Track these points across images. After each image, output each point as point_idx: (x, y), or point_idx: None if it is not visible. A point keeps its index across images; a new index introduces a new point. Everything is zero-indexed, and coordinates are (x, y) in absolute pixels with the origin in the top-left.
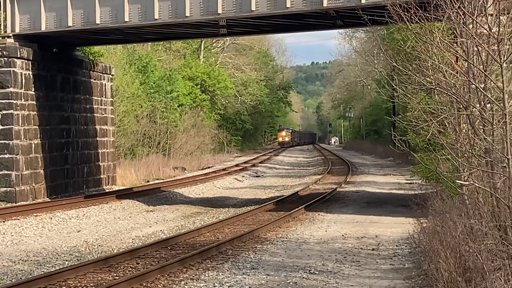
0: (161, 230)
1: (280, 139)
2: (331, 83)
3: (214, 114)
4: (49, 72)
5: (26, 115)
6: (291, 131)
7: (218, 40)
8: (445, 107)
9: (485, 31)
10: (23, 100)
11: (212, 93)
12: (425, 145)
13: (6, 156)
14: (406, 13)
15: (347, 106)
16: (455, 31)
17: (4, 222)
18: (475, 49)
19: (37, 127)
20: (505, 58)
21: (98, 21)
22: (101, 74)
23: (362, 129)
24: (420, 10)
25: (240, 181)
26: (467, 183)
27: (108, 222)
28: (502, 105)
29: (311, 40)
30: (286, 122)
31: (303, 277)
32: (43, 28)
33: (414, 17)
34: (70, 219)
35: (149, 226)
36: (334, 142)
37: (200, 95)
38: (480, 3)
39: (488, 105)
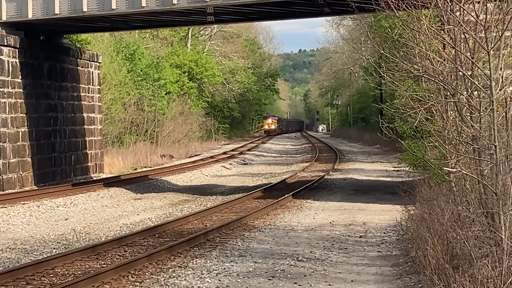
0: (148, 218)
1: (266, 127)
2: (318, 71)
3: (202, 102)
4: (36, 60)
5: (13, 103)
6: (277, 118)
7: (206, 27)
8: (432, 95)
9: (472, 18)
10: (10, 88)
11: (200, 81)
12: (412, 133)
13: None
14: (393, 0)
15: (335, 93)
16: (442, 19)
17: None
18: (463, 36)
19: (24, 115)
20: (492, 46)
21: (85, 9)
22: (88, 62)
23: (350, 116)
24: None
25: (228, 168)
26: (454, 170)
27: (95, 210)
28: (489, 92)
29: (298, 27)
30: (274, 110)
31: (291, 265)
32: (30, 16)
33: (401, 4)
34: (57, 207)
35: (136, 214)
36: (322, 129)
37: (187, 82)
38: None
39: (476, 92)
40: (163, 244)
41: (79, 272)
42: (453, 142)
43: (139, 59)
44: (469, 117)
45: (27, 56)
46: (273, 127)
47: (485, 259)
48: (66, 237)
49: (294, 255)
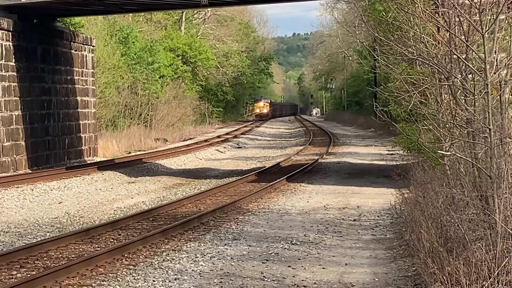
0: (142, 201)
1: (258, 110)
2: (312, 55)
3: (196, 86)
4: (30, 43)
5: (6, 86)
6: (269, 101)
7: (200, 11)
8: (426, 78)
9: (467, 1)
10: (3, 71)
11: (194, 65)
12: (406, 116)
13: None
14: None
15: (329, 77)
16: (437, 1)
17: None
18: (457, 19)
19: (18, 98)
20: (486, 28)
21: None
22: (82, 45)
23: (344, 100)
24: None
25: (222, 152)
26: (448, 153)
27: (89, 193)
28: (483, 75)
29: (292, 11)
30: (268, 94)
31: (285, 248)
32: None
33: None
34: (51, 190)
35: (130, 197)
36: (316, 113)
37: (181, 66)
38: None
39: (470, 76)
40: (157, 227)
41: (73, 256)
42: (447, 125)
43: (133, 42)
44: (463, 100)
45: (20, 39)
46: (265, 111)
47: (479, 242)
48: (60, 221)
49: (288, 238)
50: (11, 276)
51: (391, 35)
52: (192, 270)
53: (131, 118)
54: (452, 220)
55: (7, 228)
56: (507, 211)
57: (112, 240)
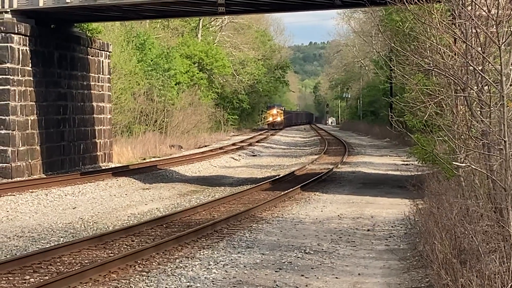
0: (156, 208)
1: (270, 118)
2: (328, 64)
3: (212, 93)
4: (47, 48)
5: (23, 91)
6: (283, 109)
7: (217, 18)
8: (442, 89)
9: (484, 13)
10: (20, 76)
11: (210, 72)
12: (422, 127)
13: (3, 132)
14: None
15: (345, 86)
16: (453, 13)
17: None
18: (474, 31)
19: (34, 103)
20: (503, 40)
21: None
22: (98, 51)
23: (359, 109)
24: None
25: (237, 160)
26: (463, 165)
27: (103, 199)
28: (499, 87)
29: (309, 20)
30: (283, 102)
31: (298, 257)
32: (41, 4)
33: None
34: (65, 195)
35: (144, 203)
36: (331, 122)
37: (197, 73)
38: None
39: (486, 87)
40: (171, 234)
41: (86, 261)
42: (462, 136)
43: (150, 49)
44: (479, 112)
45: (37, 44)
46: (278, 119)
47: (493, 255)
48: (73, 226)
49: (302, 247)
50: (24, 281)
51: (408, 46)
52: (205, 278)
53: (147, 125)
54: (466, 232)
55: (21, 232)
56: None
57: (125, 246)
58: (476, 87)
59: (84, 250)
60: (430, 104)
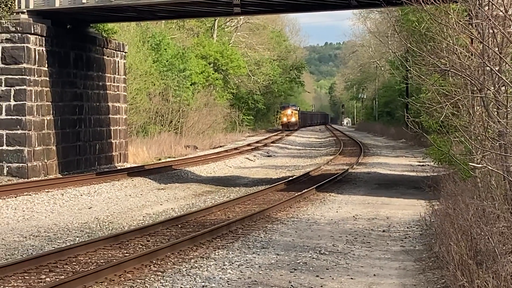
0: (172, 208)
1: (285, 119)
2: (344, 64)
3: (227, 93)
4: (63, 49)
5: (39, 91)
6: (298, 109)
7: (232, 19)
8: (459, 89)
9: (501, 13)
10: (36, 76)
11: (225, 72)
12: (438, 127)
13: (19, 132)
14: None
15: (360, 87)
16: (470, 13)
17: (16, 197)
18: (491, 31)
19: (50, 103)
20: None
21: None
22: (114, 51)
23: (375, 110)
24: None
25: (252, 160)
26: (480, 165)
27: (119, 199)
28: None
29: (325, 20)
30: (299, 102)
31: (313, 257)
32: (57, 5)
33: None
34: (81, 195)
35: (160, 204)
36: (347, 123)
37: (212, 74)
38: None
39: (503, 88)
40: (186, 234)
41: (102, 261)
42: (479, 137)
43: (165, 49)
44: (495, 113)
45: (53, 44)
46: (293, 119)
47: (509, 256)
48: (89, 226)
49: (317, 248)
50: (40, 280)
51: (424, 46)
52: (220, 278)
53: (162, 125)
54: (482, 233)
55: (37, 232)
56: None
57: (140, 246)
58: (493, 88)
59: (99, 249)
60: (447, 104)
